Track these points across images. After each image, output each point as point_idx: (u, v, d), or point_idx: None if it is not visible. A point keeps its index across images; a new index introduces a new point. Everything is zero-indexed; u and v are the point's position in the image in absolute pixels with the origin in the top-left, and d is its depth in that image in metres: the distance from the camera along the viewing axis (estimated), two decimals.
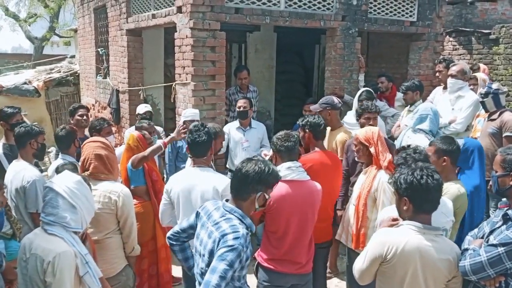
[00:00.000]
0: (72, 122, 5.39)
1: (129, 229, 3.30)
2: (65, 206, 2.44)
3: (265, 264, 3.28)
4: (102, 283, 2.63)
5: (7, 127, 4.75)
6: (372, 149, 3.64)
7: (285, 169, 3.24)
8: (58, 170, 3.80)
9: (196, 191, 3.29)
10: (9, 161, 4.28)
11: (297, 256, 3.27)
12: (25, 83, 11.29)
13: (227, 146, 5.58)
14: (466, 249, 2.43)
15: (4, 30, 23.48)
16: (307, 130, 3.93)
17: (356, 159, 3.95)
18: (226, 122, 6.15)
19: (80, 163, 3.38)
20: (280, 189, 3.15)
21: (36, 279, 2.34)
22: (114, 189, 3.23)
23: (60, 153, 4.35)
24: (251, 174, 2.52)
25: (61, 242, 2.39)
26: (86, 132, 5.36)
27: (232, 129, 5.58)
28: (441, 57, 6.43)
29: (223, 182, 3.29)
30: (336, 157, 4.24)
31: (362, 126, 4.54)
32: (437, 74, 6.03)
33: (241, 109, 5.47)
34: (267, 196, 2.62)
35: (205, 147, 3.40)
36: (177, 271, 3.95)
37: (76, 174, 2.61)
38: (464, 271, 2.35)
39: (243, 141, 5.45)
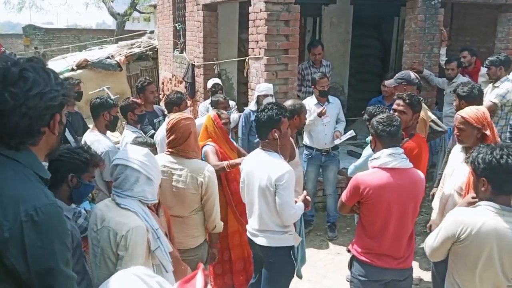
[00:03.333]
0: (141, 98, 5.21)
1: (210, 208, 3.35)
2: (142, 180, 2.46)
3: (362, 258, 3.07)
4: (172, 257, 2.65)
5: None
6: (488, 132, 3.17)
7: (386, 156, 2.95)
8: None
9: (255, 176, 3.26)
10: (68, 127, 4.56)
11: (397, 251, 3.02)
12: (108, 57, 11.88)
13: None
14: None
15: (90, 7, 24.71)
16: None
17: (457, 142, 3.51)
18: (298, 97, 6.11)
19: (167, 139, 3.38)
20: (380, 177, 2.93)
21: (108, 251, 2.37)
22: (200, 170, 3.26)
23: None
24: None
25: (135, 216, 2.40)
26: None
27: (311, 105, 5.45)
28: None
29: (279, 171, 3.13)
30: (416, 140, 3.80)
31: None
32: None
33: (325, 88, 5.35)
34: None
35: (264, 130, 3.26)
36: None
37: (141, 147, 2.62)
38: None
39: (324, 117, 5.39)
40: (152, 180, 2.50)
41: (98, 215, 2.46)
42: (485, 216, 2.32)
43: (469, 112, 3.25)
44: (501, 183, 2.33)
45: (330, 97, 5.51)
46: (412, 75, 4.67)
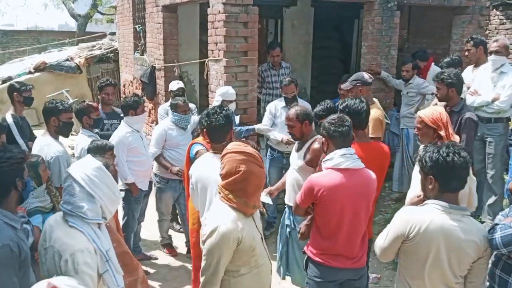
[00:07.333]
0: (98, 97, 5.47)
1: None
2: (82, 195, 2.30)
3: (317, 259, 3.09)
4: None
5: (19, 99, 5.02)
6: (442, 132, 3.25)
7: (338, 157, 2.96)
8: (89, 147, 3.88)
9: (211, 180, 3.14)
10: (18, 130, 4.71)
11: (351, 250, 3.06)
12: (67, 60, 11.60)
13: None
14: (497, 224, 2.35)
15: (49, 8, 24.06)
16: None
17: (418, 142, 3.61)
18: (258, 99, 6.09)
19: None
20: (333, 178, 2.95)
21: (53, 273, 2.19)
22: None
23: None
24: None
25: (81, 237, 2.25)
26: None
27: (278, 107, 5.49)
28: (470, 36, 6.07)
29: None
30: (377, 148, 3.71)
31: None
32: (466, 53, 5.75)
33: (290, 96, 5.33)
34: None
35: (222, 132, 3.24)
36: None
37: (97, 160, 2.45)
38: (495, 243, 2.28)
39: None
40: (95, 198, 2.31)
41: (47, 231, 2.30)
42: (432, 214, 2.36)
43: (427, 112, 3.39)
44: (448, 180, 2.38)
45: (300, 100, 5.49)
46: (366, 75, 4.70)
